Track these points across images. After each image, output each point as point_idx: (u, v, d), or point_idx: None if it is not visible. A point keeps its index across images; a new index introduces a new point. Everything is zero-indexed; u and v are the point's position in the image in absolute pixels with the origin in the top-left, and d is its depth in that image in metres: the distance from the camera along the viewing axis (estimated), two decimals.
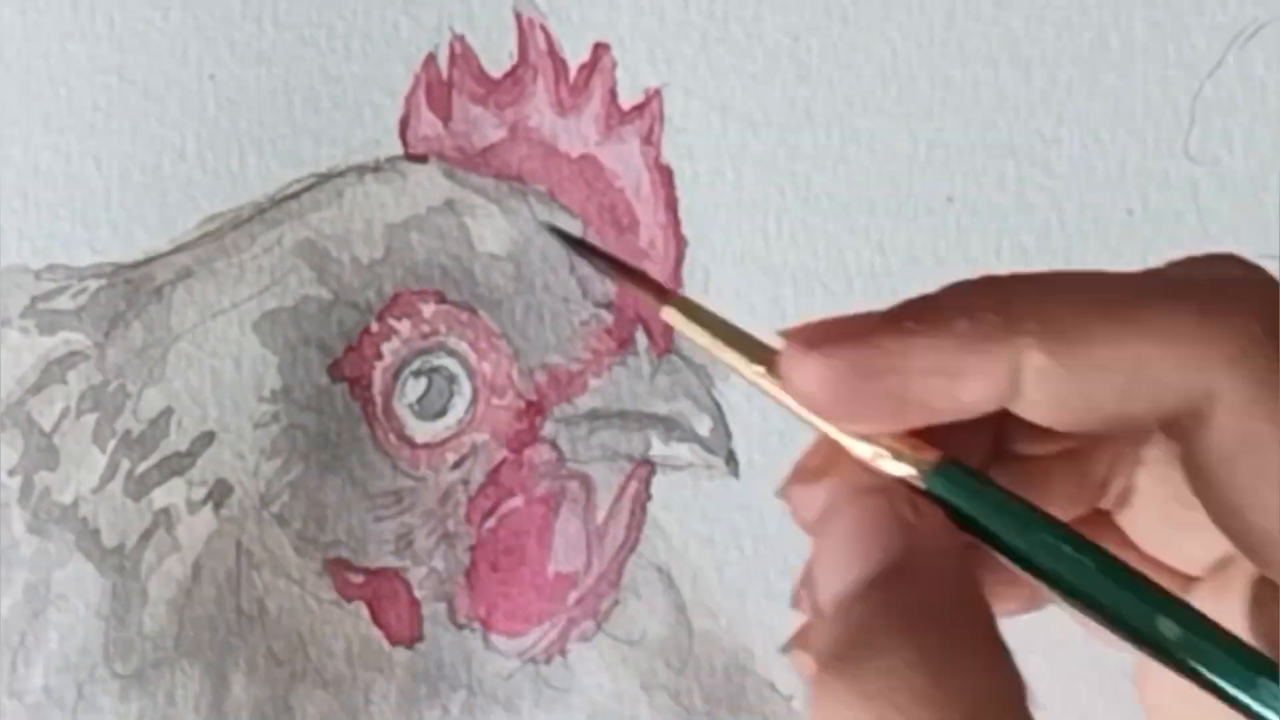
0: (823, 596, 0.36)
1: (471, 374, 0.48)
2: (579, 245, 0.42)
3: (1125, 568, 0.35)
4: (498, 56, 0.49)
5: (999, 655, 0.34)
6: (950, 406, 0.36)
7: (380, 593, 0.48)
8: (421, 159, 0.49)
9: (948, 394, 0.36)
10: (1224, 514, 0.35)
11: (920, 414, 0.36)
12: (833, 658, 0.34)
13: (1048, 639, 0.40)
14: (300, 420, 0.48)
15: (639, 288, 0.39)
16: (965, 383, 0.35)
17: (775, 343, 0.37)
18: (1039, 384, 0.35)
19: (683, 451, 0.48)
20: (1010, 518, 0.35)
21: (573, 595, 0.48)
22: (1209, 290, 0.35)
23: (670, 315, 0.37)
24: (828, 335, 0.36)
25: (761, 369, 0.37)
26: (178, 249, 0.48)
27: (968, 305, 0.35)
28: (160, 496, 0.47)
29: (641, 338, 0.49)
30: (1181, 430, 0.35)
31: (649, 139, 0.49)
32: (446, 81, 0.49)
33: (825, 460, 0.38)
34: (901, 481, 0.36)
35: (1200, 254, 0.37)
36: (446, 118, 0.49)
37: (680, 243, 0.49)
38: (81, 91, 0.49)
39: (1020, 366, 0.35)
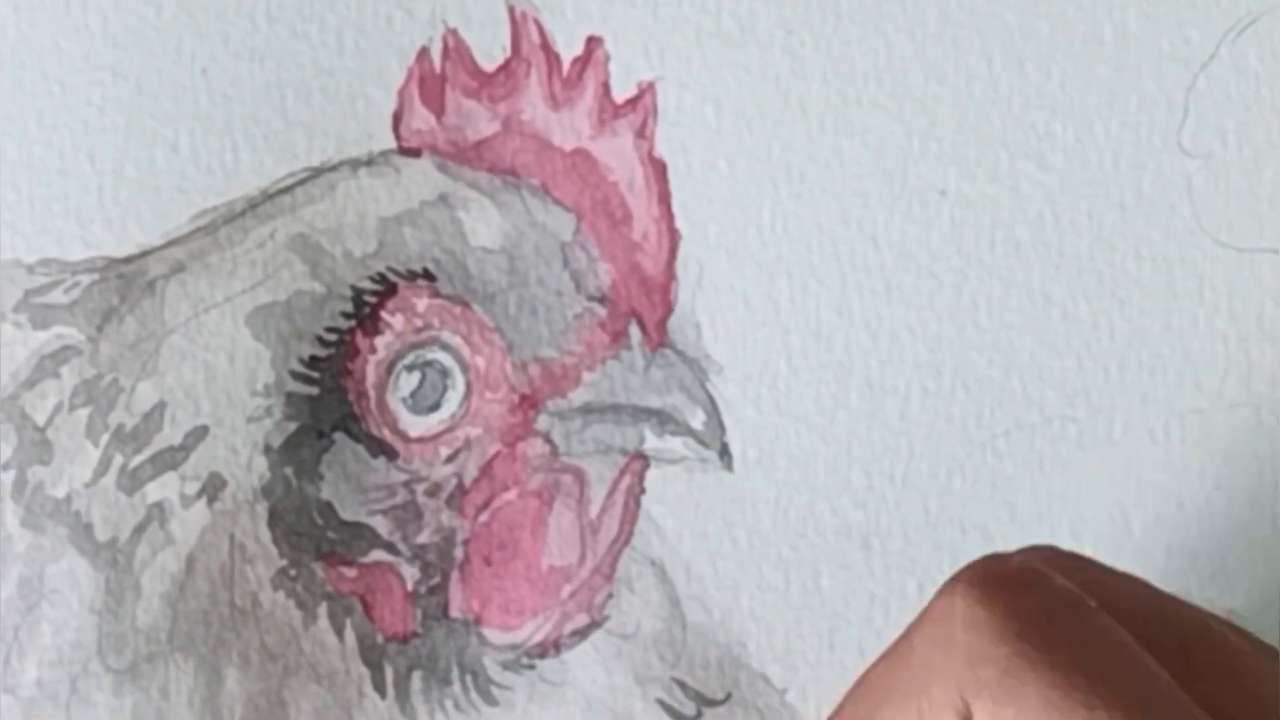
0: None
1: (465, 368, 0.48)
2: None
3: None
4: (490, 50, 0.49)
5: None
6: None
7: (374, 587, 0.48)
8: (414, 153, 0.49)
9: None
10: None
11: None
12: None
13: None
14: (293, 414, 0.48)
15: None
16: None
17: None
18: None
19: (676, 445, 0.48)
20: None
21: (566, 589, 0.48)
22: (928, 620, 0.38)
23: None
24: None
25: None
26: (170, 243, 0.48)
27: None
28: (154, 491, 0.47)
29: (635, 331, 0.49)
30: None
31: (642, 133, 0.49)
32: (439, 75, 0.49)
33: None
34: None
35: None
36: (439, 111, 0.49)
37: (674, 236, 0.49)
38: (75, 87, 0.49)
39: None
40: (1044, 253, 0.49)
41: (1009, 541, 0.49)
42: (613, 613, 0.48)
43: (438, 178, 0.49)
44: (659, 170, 0.49)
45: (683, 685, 0.48)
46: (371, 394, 0.48)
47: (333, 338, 0.48)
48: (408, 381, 0.48)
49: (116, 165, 0.49)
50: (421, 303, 0.48)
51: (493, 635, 0.48)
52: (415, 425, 0.48)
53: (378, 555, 0.48)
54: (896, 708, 0.38)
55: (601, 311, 0.48)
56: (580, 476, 0.48)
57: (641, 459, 0.48)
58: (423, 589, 0.48)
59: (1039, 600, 0.38)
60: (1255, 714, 0.38)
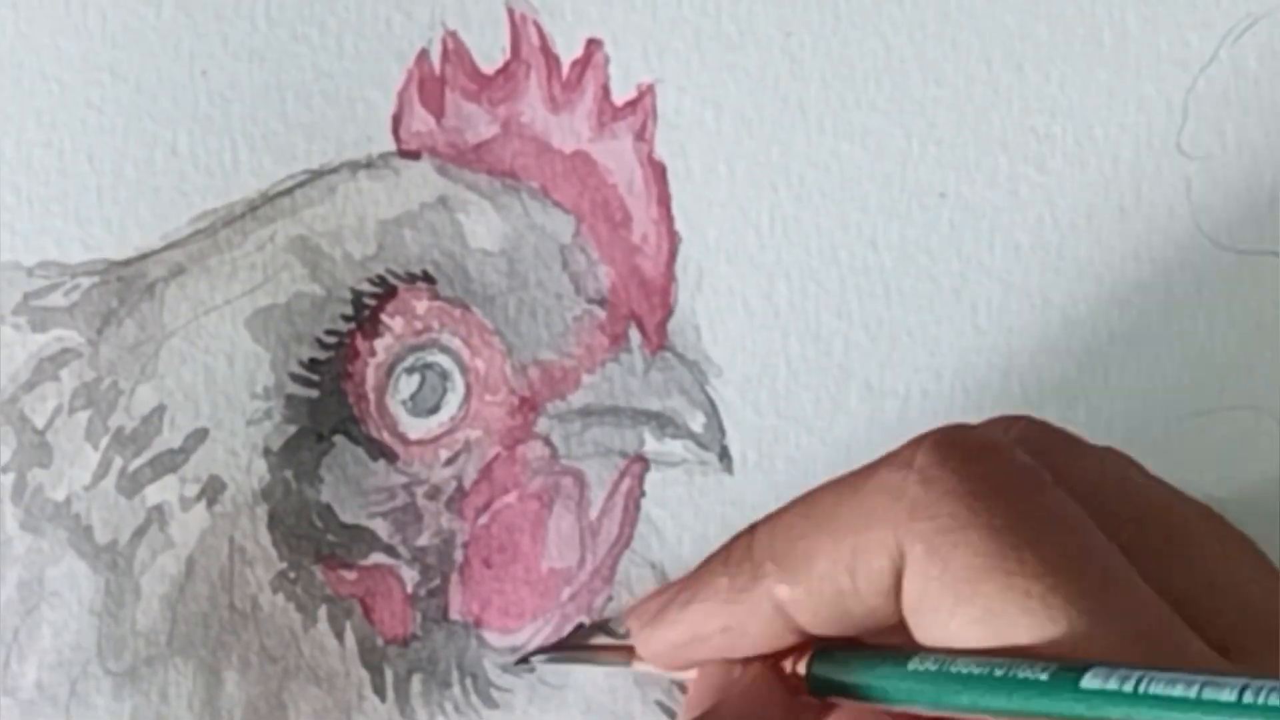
0: None
1: (464, 370, 0.48)
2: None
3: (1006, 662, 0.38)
4: (490, 52, 0.49)
5: None
6: (749, 651, 0.41)
7: (373, 590, 0.48)
8: (414, 155, 0.49)
9: (740, 644, 0.41)
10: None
11: (737, 656, 0.42)
12: None
13: None
14: (293, 417, 0.48)
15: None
16: (745, 632, 0.41)
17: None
18: (796, 611, 0.40)
19: (676, 448, 0.48)
20: (889, 666, 0.40)
21: (566, 591, 0.48)
22: (885, 466, 0.39)
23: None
24: (650, 612, 0.43)
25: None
26: (170, 246, 0.48)
27: (726, 562, 0.41)
28: (153, 493, 0.47)
29: (634, 334, 0.49)
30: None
31: (642, 135, 0.49)
32: (439, 77, 0.49)
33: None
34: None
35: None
36: (439, 114, 0.49)
37: (673, 239, 0.49)
38: (74, 88, 0.49)
39: (776, 602, 0.40)
40: (1043, 255, 0.49)
41: None
42: (612, 615, 0.48)
43: (437, 180, 0.49)
44: (658, 172, 0.49)
45: (682, 688, 0.48)
46: (371, 396, 0.48)
47: (332, 340, 0.48)
48: (407, 384, 0.48)
49: (115, 166, 0.49)
50: (421, 305, 0.48)
51: (493, 638, 0.48)
52: (415, 428, 0.48)
53: (377, 558, 0.48)
54: (832, 538, 0.39)
55: (601, 314, 0.48)
56: (580, 479, 0.48)
57: (641, 461, 0.48)
58: (422, 591, 0.48)
59: (993, 468, 0.39)
60: (1205, 595, 0.39)
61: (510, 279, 0.48)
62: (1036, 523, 0.38)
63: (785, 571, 0.40)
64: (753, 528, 0.41)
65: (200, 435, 0.48)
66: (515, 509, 0.48)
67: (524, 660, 0.47)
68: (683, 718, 0.43)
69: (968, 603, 0.37)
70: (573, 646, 0.47)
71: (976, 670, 0.38)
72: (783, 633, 0.41)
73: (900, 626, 0.41)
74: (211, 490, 0.47)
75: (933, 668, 0.38)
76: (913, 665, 0.39)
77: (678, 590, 0.42)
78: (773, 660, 0.42)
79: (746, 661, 0.42)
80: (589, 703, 0.48)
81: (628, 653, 0.45)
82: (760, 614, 0.40)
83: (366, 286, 0.48)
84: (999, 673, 0.37)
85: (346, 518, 0.48)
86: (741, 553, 0.41)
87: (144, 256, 0.48)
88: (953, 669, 0.38)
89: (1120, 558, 0.38)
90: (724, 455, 0.49)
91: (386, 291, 0.48)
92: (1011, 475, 0.39)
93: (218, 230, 0.48)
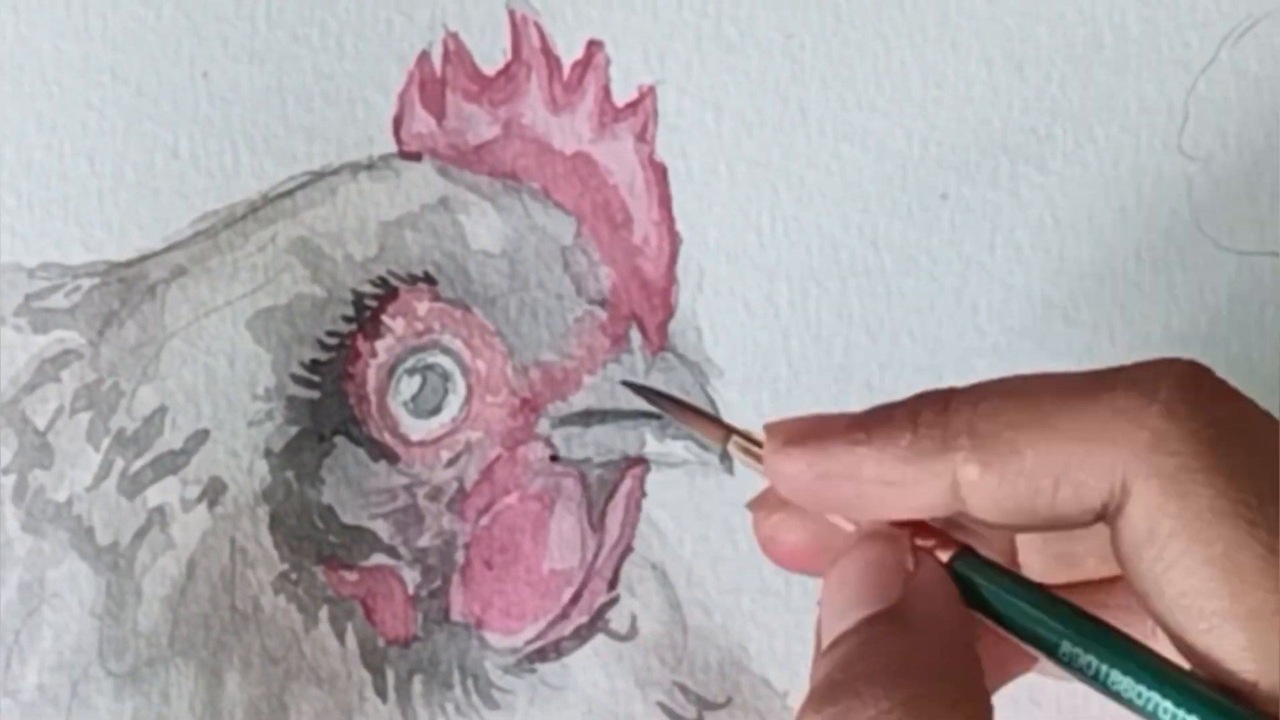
0: (824, 635, 0.39)
1: (466, 371, 0.48)
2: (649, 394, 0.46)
3: (1131, 647, 0.37)
4: (491, 54, 0.49)
5: (982, 713, 0.37)
6: (900, 511, 0.39)
7: (375, 591, 0.48)
8: (415, 156, 0.49)
9: (895, 501, 0.39)
10: (1139, 597, 0.37)
11: (880, 513, 0.40)
12: (820, 699, 0.37)
13: None
14: (294, 418, 0.48)
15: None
16: (909, 492, 0.39)
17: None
18: (974, 493, 0.38)
19: (677, 449, 0.48)
20: (1021, 602, 0.39)
21: (567, 592, 0.48)
22: (1124, 386, 0.38)
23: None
24: (802, 434, 0.40)
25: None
26: (171, 247, 0.48)
27: (914, 420, 0.39)
28: (154, 495, 0.47)
29: (635, 335, 0.49)
30: (1108, 520, 0.38)
31: (643, 136, 0.49)
32: (440, 79, 0.49)
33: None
34: (911, 538, 0.40)
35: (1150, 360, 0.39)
36: (440, 115, 0.49)
37: (674, 239, 0.49)
38: (75, 90, 0.49)
39: (957, 479, 0.38)
40: (1044, 256, 0.49)
41: None
42: (614, 616, 0.48)
43: (438, 181, 0.49)
44: (659, 174, 0.49)
45: (683, 689, 0.48)
46: (372, 398, 0.48)
47: (333, 341, 0.48)
48: (409, 385, 0.48)
49: (116, 168, 0.49)
50: (422, 306, 0.48)
51: (494, 639, 0.48)
52: (416, 429, 0.48)
53: (379, 559, 0.48)
54: (1048, 439, 0.38)
55: (602, 315, 0.48)
56: (581, 480, 0.48)
57: (642, 462, 0.48)
58: (424, 593, 0.48)
59: (1238, 412, 0.38)
60: None
61: (511, 280, 0.48)
62: (1276, 476, 0.37)
63: (982, 452, 0.38)
64: (948, 394, 0.39)
65: (201, 436, 0.48)
66: (516, 510, 0.48)
67: (629, 384, 0.47)
68: (844, 599, 0.39)
69: (1205, 543, 0.36)
70: (680, 402, 0.45)
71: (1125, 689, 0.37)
72: (946, 507, 0.39)
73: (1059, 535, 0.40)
74: (213, 491, 0.47)
75: (1084, 665, 0.38)
76: (1064, 649, 0.38)
77: (847, 427, 0.40)
78: (921, 535, 0.40)
79: (916, 550, 0.40)
80: (590, 704, 0.48)
81: (725, 433, 0.43)
82: (933, 483, 0.38)
83: (368, 288, 0.48)
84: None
85: (348, 519, 0.48)
86: (933, 415, 0.39)
87: (145, 258, 0.48)
88: (1109, 683, 0.37)
89: None
90: (725, 456, 0.49)
91: (388, 293, 0.48)
92: (1254, 423, 0.38)
93: (219, 232, 0.48)
